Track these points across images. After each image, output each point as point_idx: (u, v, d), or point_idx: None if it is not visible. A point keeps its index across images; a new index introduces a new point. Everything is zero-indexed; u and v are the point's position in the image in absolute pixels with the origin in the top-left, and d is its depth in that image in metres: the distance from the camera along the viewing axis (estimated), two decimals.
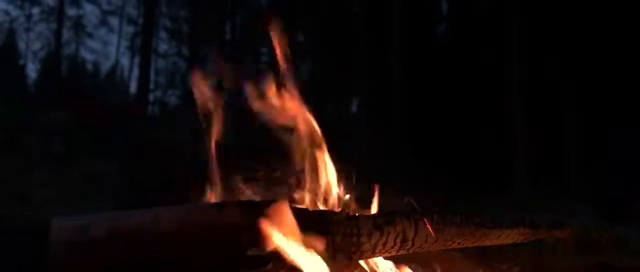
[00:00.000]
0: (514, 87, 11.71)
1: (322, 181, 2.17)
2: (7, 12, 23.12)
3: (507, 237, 2.25)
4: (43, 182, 7.01)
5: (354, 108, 20.25)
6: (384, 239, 1.81)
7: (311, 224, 1.70)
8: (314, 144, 2.12)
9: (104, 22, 24.81)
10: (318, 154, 2.12)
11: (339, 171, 2.26)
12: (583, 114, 12.36)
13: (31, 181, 7.05)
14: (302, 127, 2.12)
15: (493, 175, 12.51)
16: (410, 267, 2.24)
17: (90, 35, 25.17)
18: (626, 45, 11.95)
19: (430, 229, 1.92)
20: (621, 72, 11.83)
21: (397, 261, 2.21)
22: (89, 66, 29.30)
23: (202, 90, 2.03)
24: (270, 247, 1.50)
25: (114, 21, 24.93)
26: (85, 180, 7.29)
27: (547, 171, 11.76)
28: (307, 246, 1.60)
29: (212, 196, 2.02)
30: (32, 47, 23.87)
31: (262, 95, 2.09)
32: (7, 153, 8.32)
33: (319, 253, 1.62)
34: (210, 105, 2.00)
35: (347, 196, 2.26)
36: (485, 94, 14.65)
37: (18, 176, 7.08)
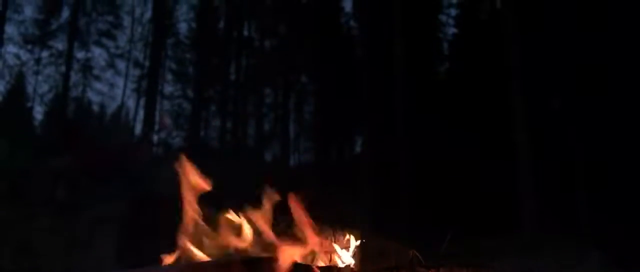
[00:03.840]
0: (519, 124, 11.67)
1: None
2: (17, 56, 23.57)
3: None
4: (45, 230, 6.94)
5: (357, 148, 20.28)
6: None
7: None
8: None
9: (111, 65, 25.27)
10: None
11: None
12: (590, 150, 12.25)
13: (33, 228, 6.99)
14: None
15: (500, 215, 12.36)
16: None
17: (97, 78, 25.59)
18: (630, 74, 12.00)
19: None
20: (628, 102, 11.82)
21: None
22: (95, 108, 29.63)
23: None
24: None
25: (121, 64, 25.35)
26: (88, 226, 7.21)
27: (555, 210, 11.62)
28: None
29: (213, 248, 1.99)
30: (40, 89, 24.24)
31: None
32: (9, 201, 8.26)
33: None
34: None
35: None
36: (490, 131, 14.66)
37: (20, 224, 7.01)
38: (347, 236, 2.27)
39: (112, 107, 30.06)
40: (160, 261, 1.89)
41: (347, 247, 2.25)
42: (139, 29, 25.02)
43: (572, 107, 12.67)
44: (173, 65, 24.70)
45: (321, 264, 1.98)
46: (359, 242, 2.25)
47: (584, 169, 12.01)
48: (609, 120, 12.28)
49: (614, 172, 11.57)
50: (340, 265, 2.00)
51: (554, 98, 14.05)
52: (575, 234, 10.14)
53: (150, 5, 23.68)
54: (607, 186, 11.11)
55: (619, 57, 12.46)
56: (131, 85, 25.23)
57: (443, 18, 18.68)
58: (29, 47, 23.59)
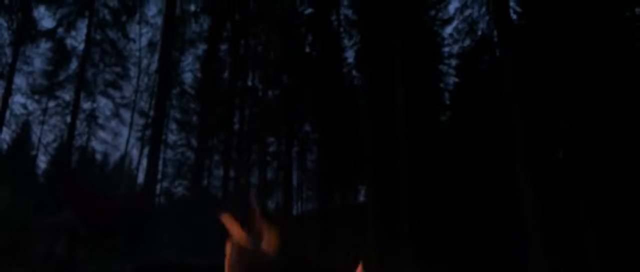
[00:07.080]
0: (521, 171, 11.54)
1: None
2: (24, 106, 23.84)
3: None
4: None
5: (361, 197, 20.12)
6: None
7: None
8: None
9: (116, 115, 25.55)
10: None
11: None
12: (596, 196, 12.10)
13: None
14: None
15: (508, 259, 12.12)
16: None
17: (102, 127, 25.83)
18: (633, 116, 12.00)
19: None
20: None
21: None
22: (99, 157, 29.78)
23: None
24: None
25: (126, 113, 25.66)
26: None
27: (563, 252, 11.41)
28: None
29: None
30: (45, 139, 24.37)
31: None
32: (8, 258, 8.12)
33: None
34: None
35: None
36: (492, 178, 14.59)
37: None
38: None
39: (115, 156, 30.26)
40: None
41: None
42: (145, 80, 25.48)
43: (575, 155, 12.65)
44: (177, 115, 25.00)
45: None
46: None
47: (590, 217, 11.86)
48: (614, 166, 12.22)
49: (622, 219, 11.42)
50: None
51: (557, 147, 14.06)
52: None
53: (156, 57, 24.24)
54: (615, 233, 10.94)
55: (622, 103, 12.55)
56: (135, 135, 25.45)
57: (443, 68, 18.98)
58: (36, 97, 23.93)
